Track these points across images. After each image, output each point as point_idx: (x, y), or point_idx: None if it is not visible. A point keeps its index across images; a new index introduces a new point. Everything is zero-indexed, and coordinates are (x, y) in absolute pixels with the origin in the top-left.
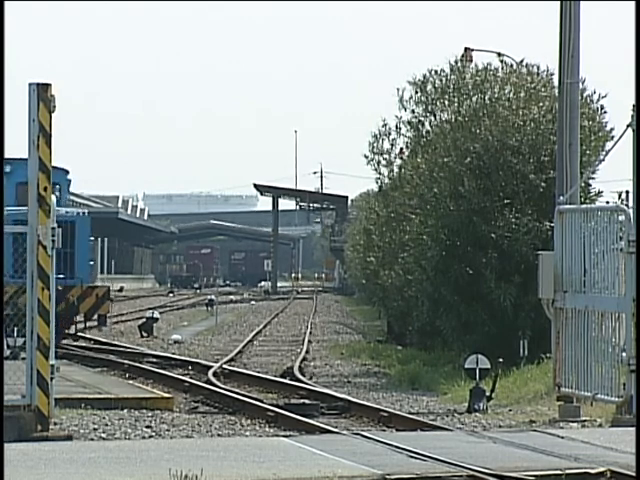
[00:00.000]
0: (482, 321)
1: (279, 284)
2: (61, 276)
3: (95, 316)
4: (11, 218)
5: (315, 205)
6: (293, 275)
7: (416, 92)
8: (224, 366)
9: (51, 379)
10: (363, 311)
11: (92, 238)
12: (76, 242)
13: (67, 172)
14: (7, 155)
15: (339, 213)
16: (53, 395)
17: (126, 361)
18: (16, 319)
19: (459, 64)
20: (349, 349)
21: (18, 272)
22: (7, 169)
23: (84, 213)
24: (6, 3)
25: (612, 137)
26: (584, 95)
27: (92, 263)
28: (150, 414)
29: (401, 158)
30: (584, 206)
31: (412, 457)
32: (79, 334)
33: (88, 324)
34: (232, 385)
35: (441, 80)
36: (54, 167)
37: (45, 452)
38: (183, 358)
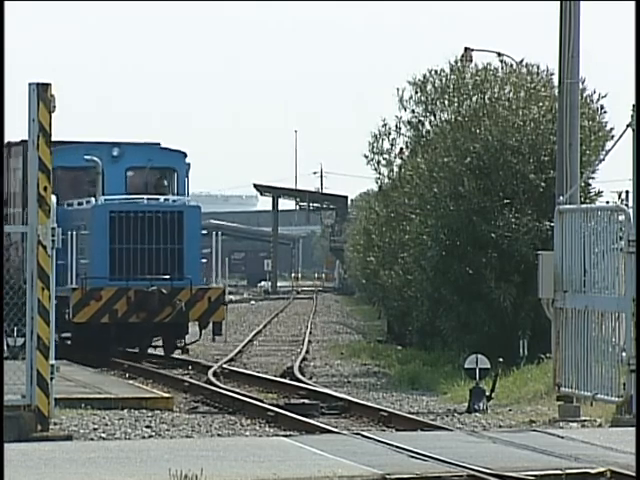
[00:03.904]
0: (482, 321)
1: (279, 284)
2: (167, 277)
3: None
4: (114, 208)
5: (315, 205)
6: (293, 275)
7: (416, 92)
8: (224, 366)
9: (51, 379)
10: (363, 311)
11: (204, 231)
12: (185, 236)
13: (185, 155)
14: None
15: (339, 213)
16: (53, 395)
17: (126, 361)
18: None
19: (459, 64)
20: (349, 349)
21: (116, 273)
22: (114, 152)
23: (195, 202)
24: (6, 3)
25: (612, 137)
26: (584, 95)
27: (205, 261)
28: (150, 414)
29: (401, 158)
30: (584, 206)
31: (412, 457)
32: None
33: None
34: (232, 385)
35: (441, 80)
36: (170, 149)
37: (45, 452)
38: (183, 358)
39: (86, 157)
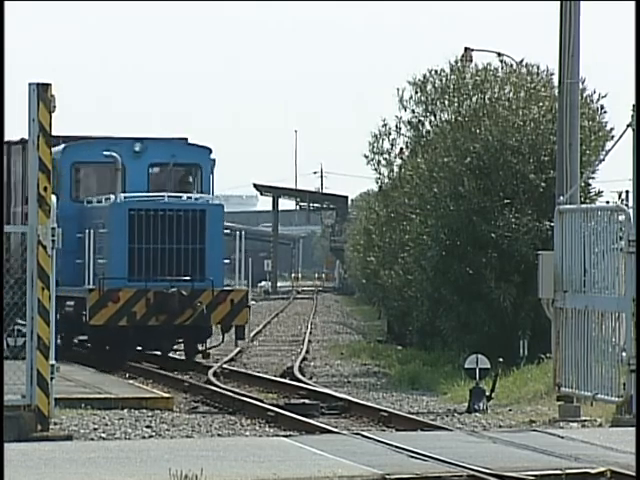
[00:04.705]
0: (482, 321)
1: (279, 284)
2: (187, 278)
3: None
4: (133, 206)
5: (315, 205)
6: (293, 275)
7: (416, 92)
8: (224, 366)
9: (51, 379)
10: (363, 311)
11: (227, 231)
12: (207, 236)
13: (210, 151)
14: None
15: (339, 213)
16: (53, 395)
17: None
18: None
19: (459, 64)
20: (349, 349)
21: (135, 274)
22: (136, 148)
23: (217, 201)
24: (6, 3)
25: (612, 137)
26: (584, 95)
27: (227, 262)
28: (150, 414)
29: (401, 158)
30: (584, 206)
31: (412, 457)
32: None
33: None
34: (232, 385)
35: (441, 80)
36: (195, 145)
37: (45, 452)
38: (183, 358)
39: (105, 153)
